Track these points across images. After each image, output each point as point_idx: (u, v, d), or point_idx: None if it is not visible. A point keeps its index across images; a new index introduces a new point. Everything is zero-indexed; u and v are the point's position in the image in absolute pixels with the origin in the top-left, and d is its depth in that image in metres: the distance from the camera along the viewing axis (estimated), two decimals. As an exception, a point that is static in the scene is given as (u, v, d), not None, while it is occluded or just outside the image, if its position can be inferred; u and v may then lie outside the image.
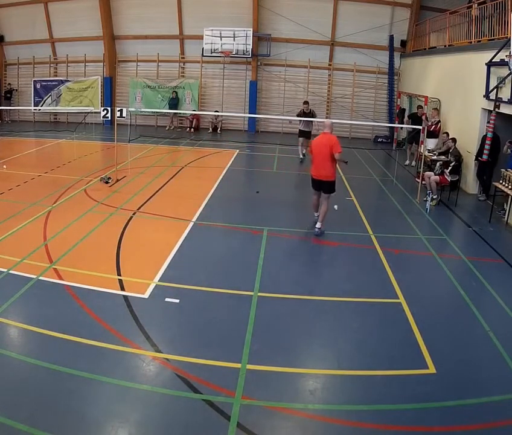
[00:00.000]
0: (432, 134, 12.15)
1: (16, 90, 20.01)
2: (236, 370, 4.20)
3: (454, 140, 10.45)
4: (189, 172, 11.91)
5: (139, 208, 8.61)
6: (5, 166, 11.37)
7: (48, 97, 19.60)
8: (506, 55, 8.90)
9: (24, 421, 3.46)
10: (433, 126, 12.31)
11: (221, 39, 18.06)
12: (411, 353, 4.60)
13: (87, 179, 10.41)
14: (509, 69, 8.80)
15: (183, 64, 19.74)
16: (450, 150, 10.24)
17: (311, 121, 12.97)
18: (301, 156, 13.52)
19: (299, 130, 13.36)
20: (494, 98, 9.72)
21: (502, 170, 8.92)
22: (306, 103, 13.50)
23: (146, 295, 5.45)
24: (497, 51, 9.63)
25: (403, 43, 18.32)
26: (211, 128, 18.95)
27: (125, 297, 5.37)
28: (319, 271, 6.48)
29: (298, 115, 13.37)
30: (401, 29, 18.21)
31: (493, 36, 10.45)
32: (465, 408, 3.89)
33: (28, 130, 17.64)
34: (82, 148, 14.29)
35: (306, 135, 13.19)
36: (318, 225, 7.66)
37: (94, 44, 19.36)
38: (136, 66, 19.71)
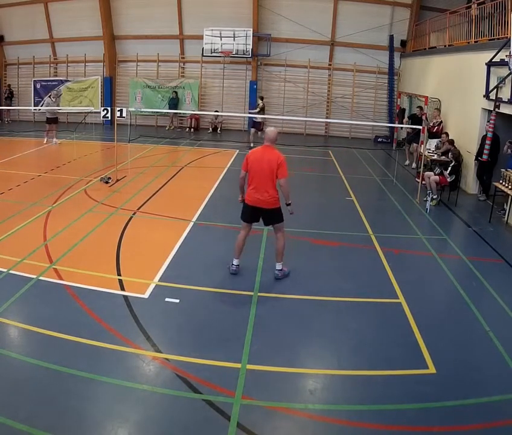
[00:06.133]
0: (435, 135, 12.16)
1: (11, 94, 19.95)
2: (236, 370, 4.20)
3: (451, 142, 10.47)
4: (189, 172, 11.91)
5: (139, 208, 8.60)
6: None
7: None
8: (506, 55, 8.90)
9: (24, 421, 3.45)
10: (436, 127, 12.33)
11: (221, 39, 18.07)
12: (411, 353, 4.60)
13: (87, 179, 10.41)
14: (509, 69, 8.80)
15: (183, 64, 19.74)
16: (450, 150, 10.25)
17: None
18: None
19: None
20: (494, 98, 9.72)
21: (502, 170, 8.92)
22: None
23: (146, 295, 5.44)
24: (497, 51, 9.63)
25: (403, 43, 18.33)
26: (211, 128, 18.95)
27: (125, 297, 5.37)
28: (319, 271, 6.47)
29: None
30: (401, 29, 18.22)
31: (493, 36, 10.45)
32: (465, 408, 3.89)
33: (28, 130, 17.63)
34: (82, 148, 14.28)
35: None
36: (278, 266, 6.00)
37: (94, 44, 19.37)
38: (136, 66, 19.71)
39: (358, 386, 4.16)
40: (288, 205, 5.87)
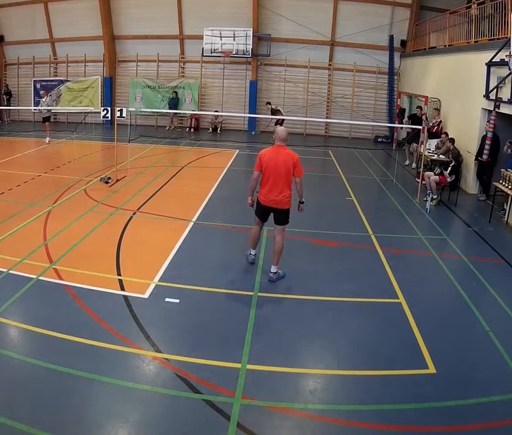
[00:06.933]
0: (435, 135, 12.17)
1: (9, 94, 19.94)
2: (236, 370, 4.20)
3: (452, 140, 10.46)
4: (189, 172, 11.91)
5: (139, 208, 8.60)
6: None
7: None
8: (506, 55, 8.90)
9: (24, 421, 3.45)
10: (435, 127, 12.33)
11: (221, 39, 18.07)
12: (411, 353, 4.60)
13: (87, 179, 10.41)
14: (509, 69, 8.80)
15: (183, 64, 19.74)
16: (450, 150, 10.25)
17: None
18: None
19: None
20: (494, 98, 9.72)
21: (502, 170, 8.92)
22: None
23: (146, 295, 5.44)
24: (497, 51, 9.63)
25: (403, 43, 18.32)
26: (210, 128, 18.95)
27: (125, 297, 5.37)
28: (319, 271, 6.47)
29: None
30: (401, 29, 18.22)
31: (493, 36, 10.45)
32: (465, 408, 3.89)
33: (28, 130, 17.64)
34: (82, 148, 14.29)
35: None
36: (273, 269, 5.97)
37: (94, 44, 19.36)
38: (136, 66, 19.71)
39: (358, 386, 4.16)
40: (302, 203, 5.99)
